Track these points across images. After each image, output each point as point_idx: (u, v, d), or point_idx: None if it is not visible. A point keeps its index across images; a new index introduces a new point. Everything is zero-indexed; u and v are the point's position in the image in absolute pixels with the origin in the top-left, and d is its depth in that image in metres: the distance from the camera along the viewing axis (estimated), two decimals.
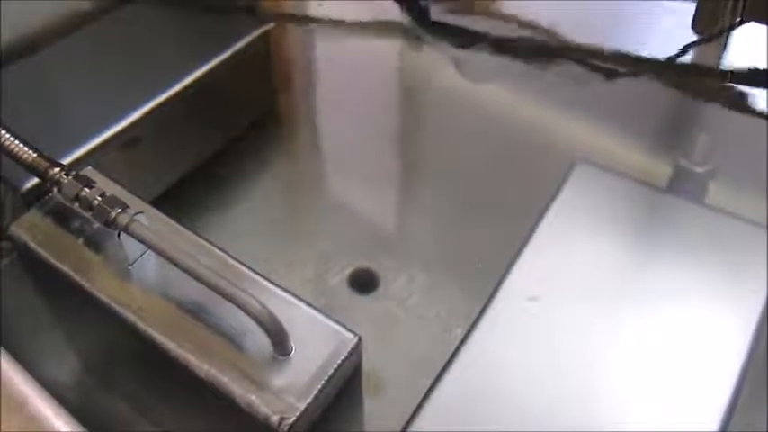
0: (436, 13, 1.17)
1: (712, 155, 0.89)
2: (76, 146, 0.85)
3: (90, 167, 0.73)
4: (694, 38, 1.05)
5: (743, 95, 0.97)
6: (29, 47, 0.96)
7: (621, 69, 1.02)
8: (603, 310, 0.71)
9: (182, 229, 0.69)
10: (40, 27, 0.98)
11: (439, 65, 1.11)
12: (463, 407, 0.64)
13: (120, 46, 0.99)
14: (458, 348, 0.68)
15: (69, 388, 0.80)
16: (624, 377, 0.66)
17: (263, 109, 1.12)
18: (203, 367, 0.59)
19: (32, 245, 0.68)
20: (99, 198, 0.64)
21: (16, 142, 0.68)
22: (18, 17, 0.94)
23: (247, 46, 1.02)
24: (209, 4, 1.08)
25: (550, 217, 0.78)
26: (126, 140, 0.89)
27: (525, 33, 1.11)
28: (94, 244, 0.67)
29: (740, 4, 1.01)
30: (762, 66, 1.00)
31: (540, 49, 1.08)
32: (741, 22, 1.04)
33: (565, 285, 0.72)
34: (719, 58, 1.03)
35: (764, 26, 1.04)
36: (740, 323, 0.69)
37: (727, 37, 1.04)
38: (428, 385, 0.66)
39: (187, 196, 0.98)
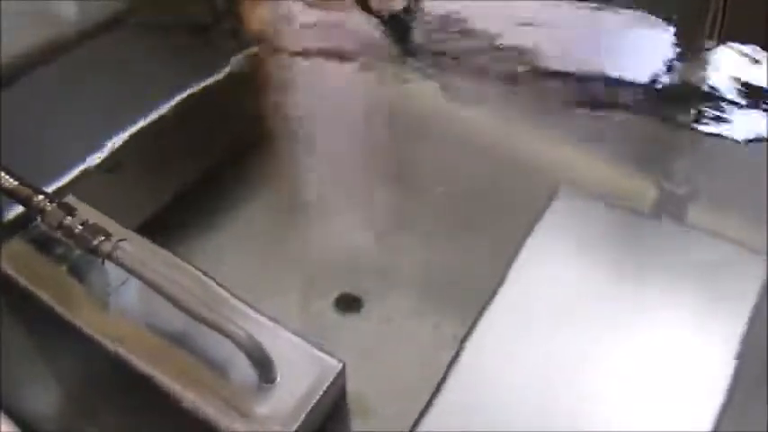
0: (420, 38, 1.18)
1: (694, 177, 0.90)
2: (61, 173, 0.84)
3: (71, 195, 0.73)
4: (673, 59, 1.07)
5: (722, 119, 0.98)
6: (12, 73, 0.96)
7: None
8: (590, 330, 0.71)
9: (166, 252, 0.69)
10: (21, 54, 0.97)
11: (423, 89, 1.12)
12: (456, 425, 0.64)
13: (105, 71, 0.99)
14: (448, 370, 0.68)
15: (50, 419, 0.79)
16: (612, 393, 0.66)
17: (248, 133, 1.12)
18: (187, 396, 0.59)
19: (14, 274, 0.68)
20: (81, 226, 0.64)
21: None
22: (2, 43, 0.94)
23: (232, 70, 1.02)
24: (193, 29, 1.09)
25: (534, 240, 0.78)
26: (111, 165, 0.89)
27: (508, 57, 1.12)
28: (77, 273, 0.67)
29: (718, 25, 1.03)
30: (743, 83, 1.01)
31: (521, 74, 1.09)
32: (720, 43, 1.05)
33: (551, 307, 0.73)
34: (701, 78, 1.04)
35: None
36: (724, 340, 0.69)
37: (707, 57, 1.06)
38: (417, 409, 0.66)
39: (172, 221, 0.98)
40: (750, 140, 0.96)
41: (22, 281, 0.67)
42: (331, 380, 0.60)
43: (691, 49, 1.07)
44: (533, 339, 0.70)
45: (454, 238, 0.97)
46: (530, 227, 0.79)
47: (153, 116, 0.93)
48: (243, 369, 0.59)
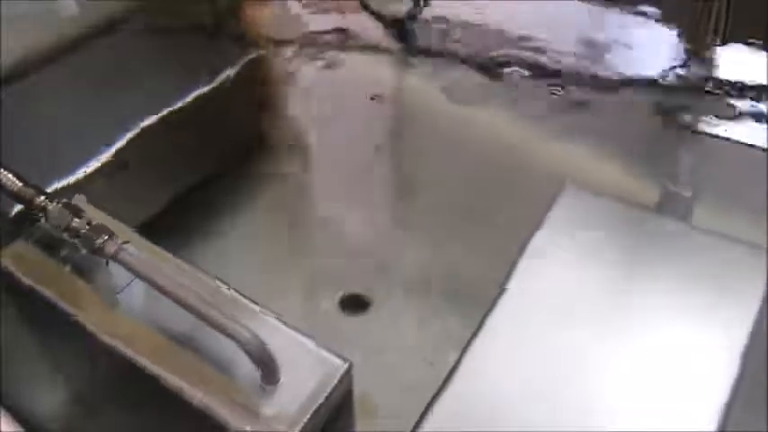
0: (423, 40, 1.18)
1: (697, 177, 0.90)
2: (64, 174, 0.84)
3: (78, 195, 0.73)
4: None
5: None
6: (15, 74, 0.96)
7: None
8: (594, 329, 0.71)
9: (170, 256, 0.69)
10: (25, 55, 0.97)
11: (427, 89, 1.12)
12: (459, 425, 0.64)
13: (109, 73, 0.99)
14: (452, 369, 0.68)
15: (55, 419, 0.79)
16: (616, 392, 0.66)
17: (251, 135, 1.13)
18: (194, 396, 0.59)
19: (19, 273, 0.68)
20: (87, 226, 0.64)
21: (2, 171, 0.68)
22: (4, 45, 0.94)
23: (236, 73, 1.02)
24: (196, 32, 1.09)
25: (540, 239, 0.78)
26: (114, 167, 0.89)
27: (510, 56, 1.12)
28: (82, 273, 0.67)
29: (722, 25, 1.03)
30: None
31: (523, 72, 1.09)
32: (724, 43, 1.05)
33: (555, 307, 0.73)
34: (705, 78, 1.04)
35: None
36: (729, 339, 0.69)
37: (712, 56, 1.06)
38: (421, 409, 0.65)
39: (174, 222, 0.98)
40: (752, 139, 0.96)
41: (27, 281, 0.67)
42: (337, 380, 0.60)
43: (695, 49, 1.07)
44: (537, 339, 0.70)
45: (459, 237, 0.97)
46: (535, 226, 0.79)
47: (156, 118, 0.93)
48: (249, 369, 0.59)
